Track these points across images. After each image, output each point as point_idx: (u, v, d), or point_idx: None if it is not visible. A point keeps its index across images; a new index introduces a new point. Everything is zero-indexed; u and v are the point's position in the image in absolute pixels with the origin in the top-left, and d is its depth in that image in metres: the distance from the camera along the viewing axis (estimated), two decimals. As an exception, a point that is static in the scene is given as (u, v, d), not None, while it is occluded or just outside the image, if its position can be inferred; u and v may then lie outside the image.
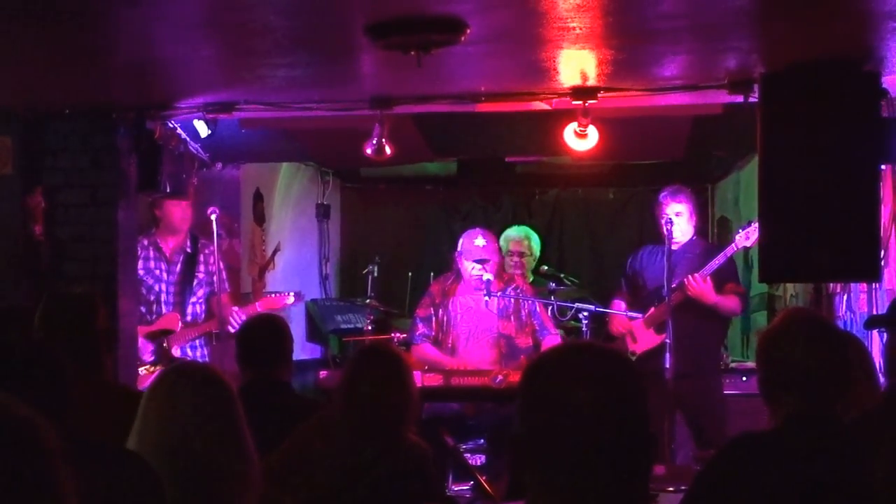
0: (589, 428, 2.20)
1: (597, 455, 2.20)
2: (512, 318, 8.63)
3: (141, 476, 3.35)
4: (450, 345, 8.66)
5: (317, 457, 4.72)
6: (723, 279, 8.32)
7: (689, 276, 8.16)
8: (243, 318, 8.63)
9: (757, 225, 7.62)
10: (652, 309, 8.35)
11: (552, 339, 8.53)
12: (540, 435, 2.24)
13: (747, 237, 8.09)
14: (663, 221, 8.31)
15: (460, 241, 8.76)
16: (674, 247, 8.29)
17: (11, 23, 5.51)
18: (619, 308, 8.61)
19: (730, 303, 8.39)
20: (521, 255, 10.02)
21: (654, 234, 8.66)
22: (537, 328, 8.63)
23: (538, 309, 8.64)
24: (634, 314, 8.40)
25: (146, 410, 3.66)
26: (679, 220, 8.33)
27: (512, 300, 8.61)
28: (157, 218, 8.96)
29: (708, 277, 8.16)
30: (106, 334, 5.14)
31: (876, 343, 6.72)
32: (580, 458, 2.20)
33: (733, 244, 8.23)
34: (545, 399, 2.26)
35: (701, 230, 9.92)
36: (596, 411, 2.21)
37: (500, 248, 8.93)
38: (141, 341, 8.47)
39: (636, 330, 8.47)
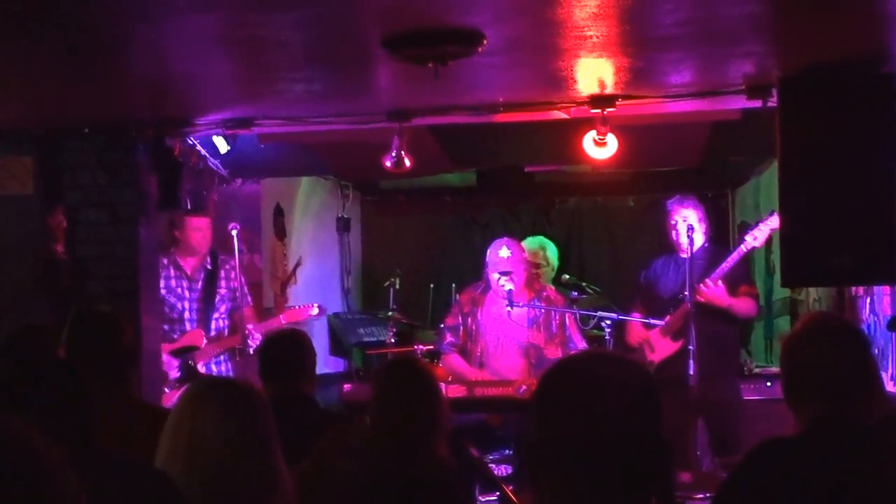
0: (604, 436, 2.21)
1: (612, 463, 2.21)
2: (541, 328, 8.58)
3: (162, 493, 3.34)
4: (478, 354, 8.62)
5: (339, 471, 4.72)
6: (736, 282, 8.29)
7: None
8: (258, 334, 8.66)
9: (765, 223, 7.67)
10: (668, 317, 8.32)
11: None
12: (555, 444, 2.25)
13: (755, 238, 8.09)
14: (674, 229, 8.33)
15: (488, 251, 8.72)
16: (685, 255, 8.30)
17: (29, 42, 5.53)
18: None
19: (743, 305, 8.37)
20: (537, 266, 9.98)
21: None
22: (565, 340, 8.59)
23: (568, 321, 8.60)
24: (655, 321, 8.38)
25: (173, 427, 3.64)
26: (687, 227, 8.32)
27: (542, 310, 8.57)
28: (176, 239, 8.96)
29: (720, 281, 8.14)
30: (131, 352, 5.15)
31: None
32: (595, 467, 2.21)
33: (742, 245, 8.20)
34: (559, 408, 2.27)
35: (720, 236, 9.91)
36: (610, 420, 2.21)
37: (527, 258, 8.86)
38: (166, 359, 8.49)
39: (653, 339, 8.46)
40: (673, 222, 8.38)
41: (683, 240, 8.30)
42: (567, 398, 2.27)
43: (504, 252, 8.49)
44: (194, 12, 5.06)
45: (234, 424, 3.56)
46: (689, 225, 8.18)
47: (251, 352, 8.56)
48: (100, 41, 5.58)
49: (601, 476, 2.21)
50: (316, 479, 4.66)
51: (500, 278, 8.44)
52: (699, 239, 8.35)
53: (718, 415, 8.26)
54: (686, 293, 8.12)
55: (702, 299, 8.11)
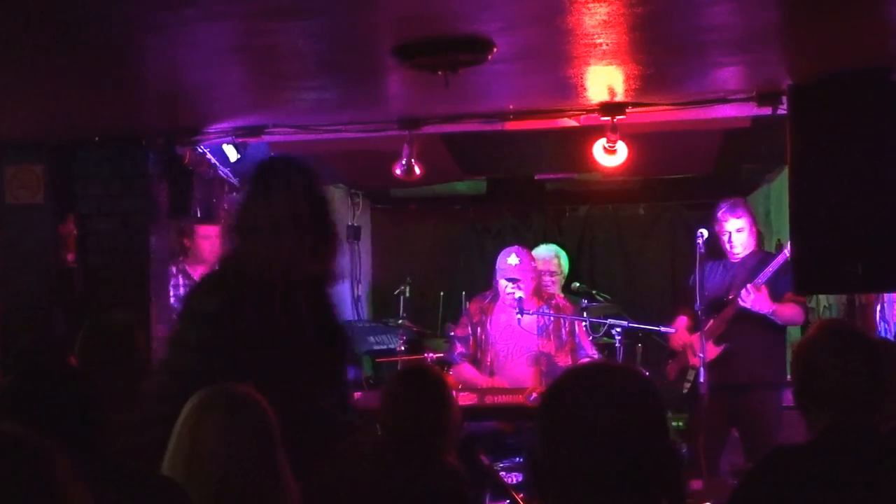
0: (608, 448, 2.21)
1: (617, 474, 2.21)
2: (551, 335, 8.53)
3: (173, 501, 3.35)
4: (489, 363, 8.57)
5: (349, 479, 4.72)
6: (783, 288, 8.08)
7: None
8: None
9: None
10: (710, 321, 8.16)
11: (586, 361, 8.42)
12: (559, 456, 2.25)
13: None
14: (729, 242, 8.22)
15: (498, 258, 8.70)
16: (735, 260, 8.23)
17: (41, 52, 5.54)
18: (681, 323, 8.49)
19: (788, 311, 8.11)
20: (552, 273, 9.92)
21: (685, 248, 8.56)
22: (575, 348, 8.54)
23: (577, 329, 8.56)
24: (666, 329, 8.35)
25: (177, 435, 3.64)
26: (740, 235, 8.21)
27: (551, 318, 8.53)
28: (185, 247, 8.95)
29: (763, 286, 8.01)
30: (145, 360, 5.16)
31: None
32: (600, 478, 2.21)
33: (785, 250, 8.02)
34: (564, 420, 2.27)
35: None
36: (614, 431, 2.22)
37: (536, 266, 8.81)
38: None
39: (696, 344, 8.30)
40: (725, 233, 8.25)
41: (738, 249, 8.23)
42: (569, 412, 2.28)
43: (513, 259, 8.46)
44: (206, 22, 5.06)
45: (235, 433, 3.57)
46: (699, 232, 8.10)
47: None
48: (112, 52, 5.58)
49: (607, 487, 2.22)
50: (326, 488, 4.66)
51: (507, 285, 8.41)
52: (750, 243, 8.27)
53: (754, 426, 8.11)
54: (731, 297, 8.07)
55: (744, 305, 8.01)
